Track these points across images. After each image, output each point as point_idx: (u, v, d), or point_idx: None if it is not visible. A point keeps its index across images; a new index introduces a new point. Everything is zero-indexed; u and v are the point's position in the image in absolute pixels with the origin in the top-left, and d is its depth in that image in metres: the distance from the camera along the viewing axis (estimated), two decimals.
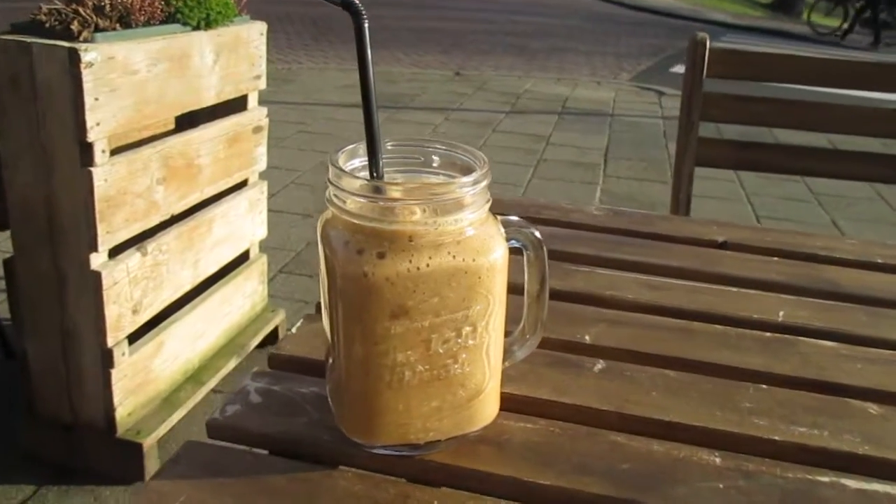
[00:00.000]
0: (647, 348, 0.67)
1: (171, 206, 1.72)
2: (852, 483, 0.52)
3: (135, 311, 1.66)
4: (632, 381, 0.62)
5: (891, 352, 0.69)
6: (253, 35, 1.93)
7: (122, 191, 1.54)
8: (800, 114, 1.44)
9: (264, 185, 2.15)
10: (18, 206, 1.53)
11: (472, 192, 0.47)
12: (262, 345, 2.22)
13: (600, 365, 0.64)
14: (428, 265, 0.46)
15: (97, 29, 1.45)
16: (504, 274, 0.49)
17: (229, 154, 1.93)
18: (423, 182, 0.52)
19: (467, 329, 0.48)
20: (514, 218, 0.52)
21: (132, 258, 1.61)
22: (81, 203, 1.48)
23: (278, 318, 2.28)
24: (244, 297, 2.15)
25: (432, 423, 0.50)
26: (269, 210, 2.17)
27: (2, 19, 1.70)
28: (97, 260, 1.54)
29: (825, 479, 0.52)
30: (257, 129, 2.04)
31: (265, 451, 0.55)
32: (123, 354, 1.65)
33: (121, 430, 1.69)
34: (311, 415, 0.56)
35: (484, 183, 0.48)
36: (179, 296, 1.83)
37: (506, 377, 0.55)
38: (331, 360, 0.54)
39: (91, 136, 1.43)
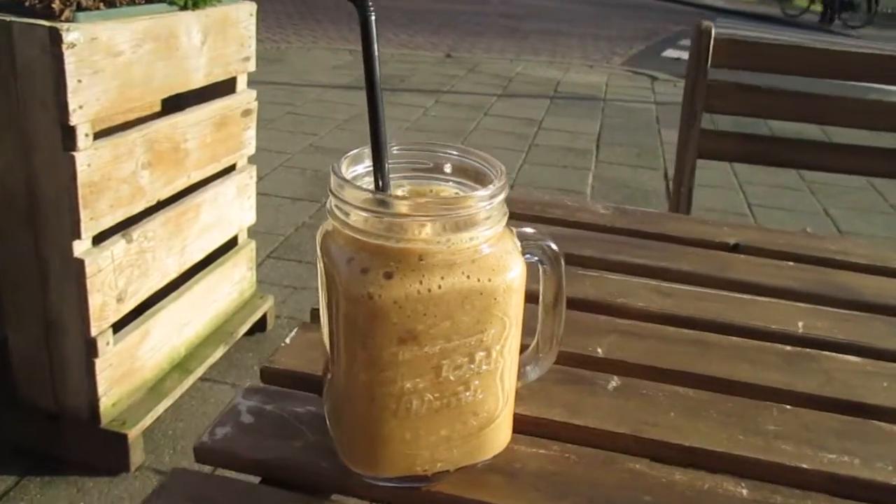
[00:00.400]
0: (663, 363, 0.63)
1: (157, 191, 1.67)
2: None
3: (119, 300, 1.61)
4: (648, 400, 0.58)
5: None
6: (242, 15, 1.87)
7: (106, 176, 1.49)
8: (807, 106, 1.41)
9: (253, 170, 2.10)
10: None
11: (488, 206, 0.43)
12: (250, 332, 2.19)
13: (614, 382, 0.60)
14: (440, 286, 0.42)
15: (79, 8, 1.39)
16: (521, 294, 0.45)
17: (217, 138, 1.88)
18: (436, 196, 0.48)
19: (481, 354, 0.45)
20: (530, 230, 0.48)
21: (117, 245, 1.56)
22: (64, 189, 1.43)
23: (266, 305, 2.24)
24: (232, 283, 2.10)
25: (441, 453, 0.47)
26: (257, 193, 2.12)
27: None
28: (80, 247, 1.49)
29: None
30: (246, 113, 1.99)
31: (257, 478, 0.51)
32: (108, 344, 1.61)
33: (105, 421, 1.65)
34: (307, 437, 0.52)
35: (501, 196, 0.44)
36: (165, 283, 1.79)
37: (517, 396, 0.51)
38: (329, 377, 0.50)
39: (74, 120, 1.38)
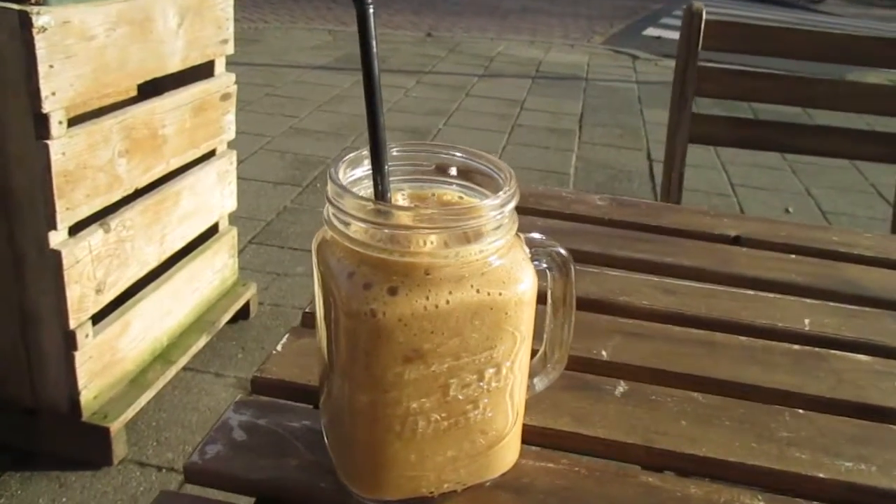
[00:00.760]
0: (670, 366, 0.61)
1: (135, 179, 1.63)
2: None
3: (98, 291, 1.57)
4: (657, 406, 0.56)
5: None
6: None
7: (81, 164, 1.44)
8: (798, 90, 1.39)
9: (233, 155, 2.05)
10: None
11: (499, 215, 0.40)
12: (233, 320, 2.15)
13: (621, 387, 0.58)
14: (448, 302, 0.39)
15: None
16: (532, 306, 0.42)
17: (196, 123, 1.83)
18: (443, 204, 0.45)
19: (490, 371, 0.42)
20: (538, 236, 0.45)
21: (94, 235, 1.52)
22: (38, 178, 1.38)
23: (249, 293, 2.20)
24: (214, 271, 2.06)
25: (447, 473, 0.44)
26: (238, 178, 2.08)
27: None
28: (57, 238, 1.44)
29: None
30: (225, 97, 1.94)
31: (250, 499, 0.48)
32: (87, 336, 1.57)
33: (86, 414, 1.62)
34: (303, 455, 0.49)
35: (512, 204, 0.41)
36: (145, 273, 1.75)
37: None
38: (326, 390, 0.47)
39: (46, 107, 1.33)
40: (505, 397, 0.44)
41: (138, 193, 1.66)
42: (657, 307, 0.70)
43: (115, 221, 1.58)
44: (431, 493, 0.44)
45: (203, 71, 1.84)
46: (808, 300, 0.73)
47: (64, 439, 1.64)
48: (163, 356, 1.86)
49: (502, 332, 0.41)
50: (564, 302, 0.47)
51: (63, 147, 1.38)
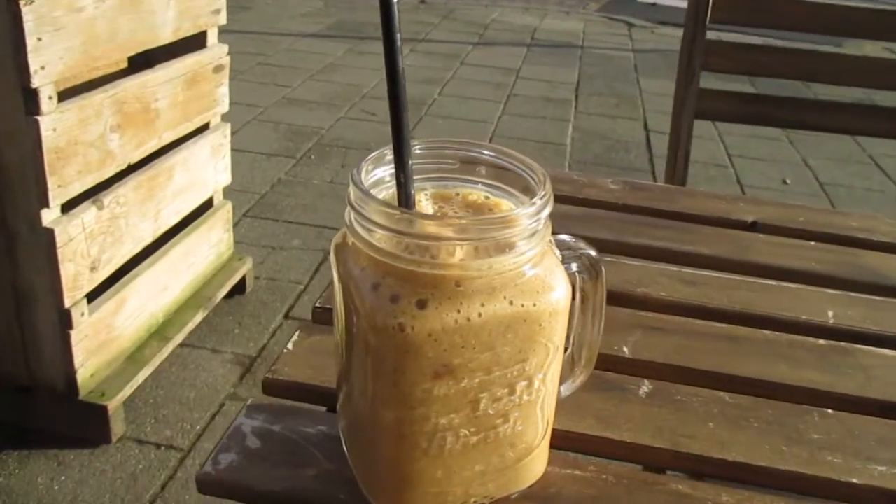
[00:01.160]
0: (694, 363, 0.59)
1: (128, 154, 1.59)
2: None
3: (93, 269, 1.54)
4: (683, 408, 0.55)
5: None
6: None
7: (72, 140, 1.40)
8: (807, 64, 1.36)
9: (227, 129, 2.01)
10: None
11: (534, 223, 0.37)
12: (229, 295, 2.13)
13: (645, 387, 0.56)
14: (480, 315, 0.36)
15: None
16: (566, 316, 0.40)
17: (189, 96, 1.78)
18: (468, 206, 0.42)
19: (522, 384, 0.40)
20: (568, 238, 0.43)
21: (87, 212, 1.49)
22: (28, 155, 1.34)
23: (245, 268, 2.17)
24: (209, 246, 2.04)
25: (475, 488, 0.42)
26: (231, 149, 2.04)
27: None
28: (49, 216, 1.41)
29: None
30: (218, 69, 1.89)
31: None
32: (83, 314, 1.54)
33: (83, 393, 1.60)
34: (321, 464, 0.47)
35: (549, 209, 0.38)
36: (140, 249, 1.72)
37: None
38: (344, 394, 0.45)
39: (35, 82, 1.28)
40: (536, 410, 0.42)
41: (131, 169, 1.62)
42: (677, 299, 0.68)
43: (108, 198, 1.54)
44: None
45: (195, 42, 1.79)
46: (830, 291, 0.71)
47: (61, 418, 1.62)
48: (159, 333, 1.85)
49: (535, 344, 0.39)
50: (595, 308, 0.45)
51: (54, 123, 1.34)
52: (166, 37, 1.65)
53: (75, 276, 1.48)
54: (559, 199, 0.84)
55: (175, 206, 1.82)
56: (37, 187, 1.36)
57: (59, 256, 1.43)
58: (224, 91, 1.94)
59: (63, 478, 1.57)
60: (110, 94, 1.48)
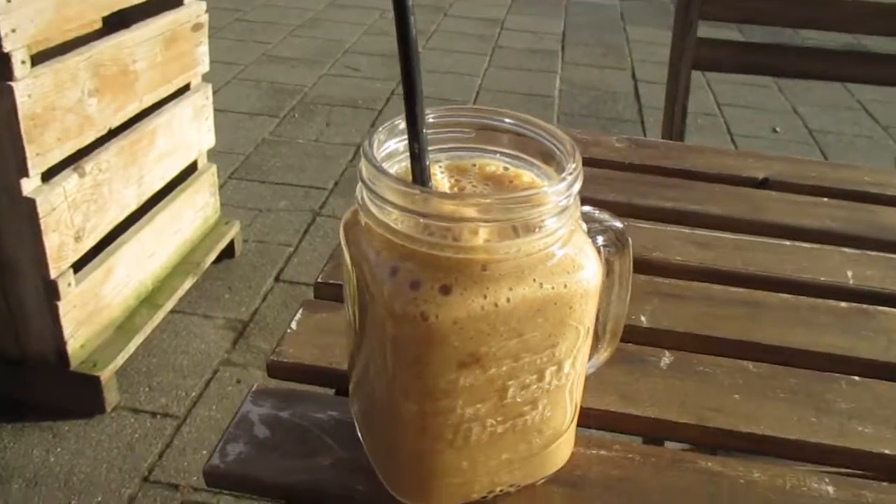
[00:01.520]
0: (715, 331, 0.57)
1: (108, 119, 1.54)
2: None
3: (77, 238, 1.50)
4: (706, 379, 0.53)
5: None
6: None
7: (49, 106, 1.35)
8: (806, 11, 1.32)
9: (209, 89, 1.95)
10: None
11: (566, 200, 0.34)
12: (217, 259, 2.10)
13: (666, 358, 0.54)
14: (508, 300, 0.34)
15: None
16: (597, 296, 0.38)
17: (168, 57, 1.72)
18: (487, 178, 0.39)
19: (551, 370, 0.37)
20: (592, 210, 0.40)
21: (69, 180, 1.44)
22: (4, 123, 1.29)
23: (233, 231, 2.14)
24: (195, 211, 1.99)
25: (501, 476, 0.40)
26: (213, 110, 1.98)
27: None
28: (29, 185, 1.37)
29: None
30: (197, 27, 1.82)
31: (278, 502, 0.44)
32: (70, 285, 1.51)
33: (75, 364, 1.58)
34: (335, 452, 0.45)
35: (579, 184, 0.35)
36: (125, 216, 1.68)
37: None
38: (357, 378, 0.43)
39: (7, 46, 1.23)
40: (564, 394, 0.39)
41: (112, 134, 1.58)
42: (691, 263, 0.66)
43: (89, 165, 1.50)
44: (484, 497, 0.41)
45: (171, 0, 1.73)
46: (847, 249, 0.69)
47: (54, 390, 1.60)
48: (149, 300, 1.82)
49: (566, 327, 0.36)
50: (621, 283, 0.43)
51: (28, 88, 1.28)
52: None
53: (60, 247, 1.44)
54: None
55: (159, 170, 1.78)
56: (15, 156, 1.31)
57: (42, 227, 1.39)
58: (204, 50, 1.88)
59: (59, 449, 1.56)
60: (86, 56, 1.43)
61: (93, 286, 1.59)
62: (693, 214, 0.73)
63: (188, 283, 1.93)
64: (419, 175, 0.37)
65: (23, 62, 1.27)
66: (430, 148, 0.38)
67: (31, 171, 1.34)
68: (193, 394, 1.72)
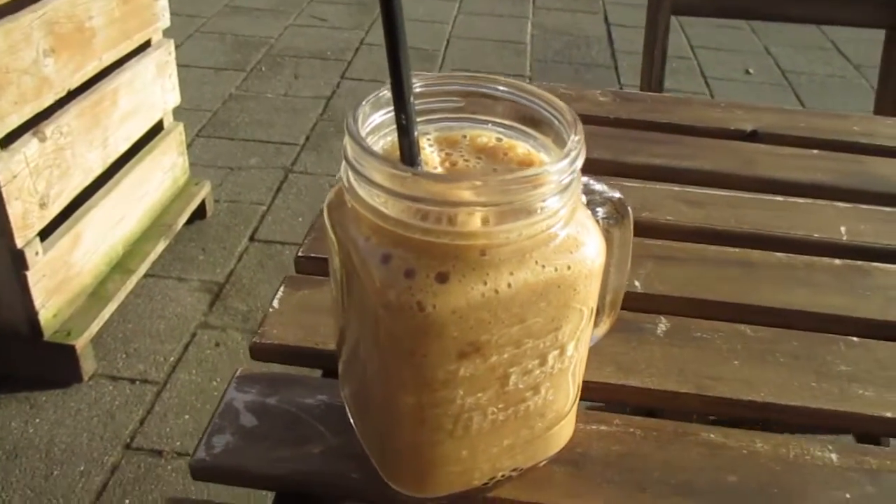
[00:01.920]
0: (710, 293, 0.56)
1: (66, 80, 1.48)
2: None
3: (42, 205, 1.45)
4: (704, 345, 0.51)
5: None
6: None
7: (3, 69, 1.29)
8: None
9: (171, 45, 1.88)
10: None
11: (569, 177, 0.32)
12: (189, 221, 2.05)
13: (663, 325, 0.52)
14: (510, 285, 0.32)
15: None
16: (601, 275, 0.36)
17: (125, 11, 1.65)
18: (479, 151, 0.36)
19: (554, 353, 0.36)
20: (592, 181, 0.38)
21: (29, 146, 1.39)
22: None
23: (204, 191, 2.09)
24: (163, 172, 1.94)
25: (502, 461, 0.39)
26: (176, 66, 1.92)
27: None
28: None
29: None
30: None
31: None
32: (37, 254, 1.46)
33: (48, 334, 1.54)
34: (326, 439, 0.43)
35: (582, 159, 0.33)
36: (91, 181, 1.63)
37: None
38: (346, 359, 0.41)
39: None
40: (567, 377, 0.38)
41: (72, 96, 1.51)
42: (683, 223, 0.64)
43: (49, 128, 1.44)
44: (485, 483, 0.39)
45: None
46: (840, 204, 0.68)
47: (28, 361, 1.57)
48: (120, 265, 1.77)
49: (570, 310, 0.34)
50: (621, 256, 0.41)
51: None
52: None
53: (24, 215, 1.39)
54: None
55: (123, 131, 1.72)
56: None
57: (4, 195, 1.34)
58: (163, 3, 1.80)
59: (37, 420, 1.53)
60: (39, 14, 1.36)
61: (61, 254, 1.54)
62: (683, 171, 0.71)
63: (160, 247, 1.89)
64: (407, 150, 0.34)
65: None
66: (417, 119, 0.36)
67: None
68: (172, 358, 1.69)
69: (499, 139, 0.38)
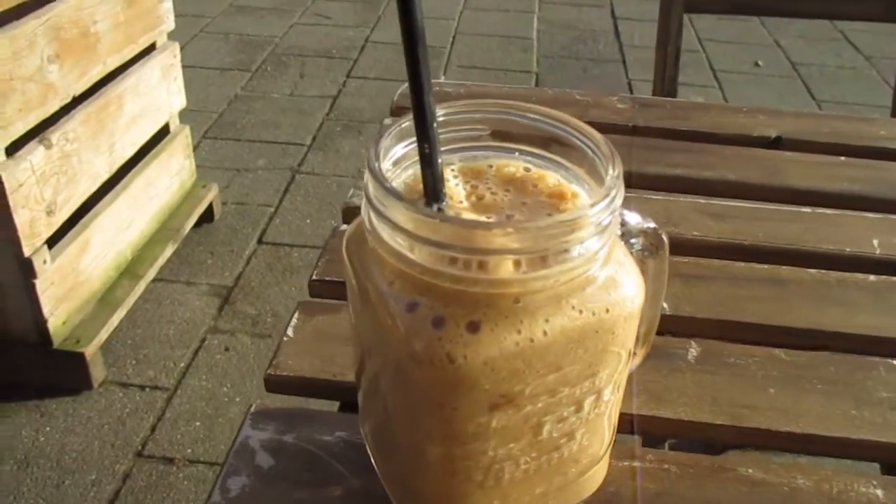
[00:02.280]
0: (741, 315, 0.54)
1: (71, 86, 1.46)
2: None
3: (49, 213, 1.44)
4: (739, 372, 0.49)
5: None
6: None
7: (7, 76, 1.27)
8: None
9: (176, 48, 1.86)
10: None
11: (608, 217, 0.30)
12: (197, 224, 2.04)
13: (693, 350, 0.50)
14: (546, 333, 0.30)
15: None
16: (640, 314, 0.33)
17: (130, 15, 1.63)
18: (506, 182, 0.34)
19: (591, 399, 0.33)
20: (634, 216, 0.36)
21: (35, 153, 1.37)
22: None
23: (211, 194, 2.07)
24: (170, 175, 1.92)
25: None
26: (181, 67, 1.90)
27: None
28: None
29: None
30: None
31: None
32: (45, 262, 1.45)
33: (57, 342, 1.53)
34: (347, 480, 0.41)
35: (620, 198, 0.31)
36: (98, 186, 1.61)
37: None
38: (365, 393, 0.39)
39: None
40: (603, 421, 0.36)
41: (77, 101, 1.50)
42: (710, 238, 0.62)
43: (55, 135, 1.43)
44: None
45: None
46: (870, 214, 0.66)
47: (38, 369, 1.56)
48: (129, 271, 1.76)
49: (608, 354, 0.32)
50: (657, 288, 0.39)
51: None
52: None
53: (31, 223, 1.38)
54: None
55: (129, 136, 1.70)
56: None
57: (11, 203, 1.33)
58: (168, 6, 1.78)
59: (48, 428, 1.52)
60: (43, 20, 1.34)
61: (69, 261, 1.53)
62: (705, 182, 0.69)
63: (168, 251, 1.87)
64: (431, 183, 0.32)
65: None
66: (441, 149, 0.34)
67: None
68: (182, 364, 1.68)
69: (527, 169, 0.35)
